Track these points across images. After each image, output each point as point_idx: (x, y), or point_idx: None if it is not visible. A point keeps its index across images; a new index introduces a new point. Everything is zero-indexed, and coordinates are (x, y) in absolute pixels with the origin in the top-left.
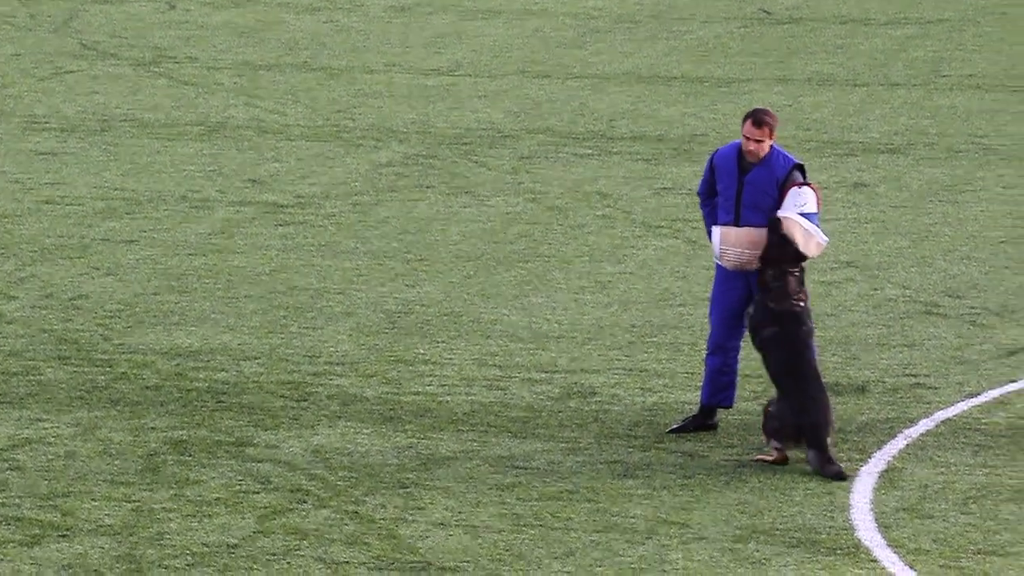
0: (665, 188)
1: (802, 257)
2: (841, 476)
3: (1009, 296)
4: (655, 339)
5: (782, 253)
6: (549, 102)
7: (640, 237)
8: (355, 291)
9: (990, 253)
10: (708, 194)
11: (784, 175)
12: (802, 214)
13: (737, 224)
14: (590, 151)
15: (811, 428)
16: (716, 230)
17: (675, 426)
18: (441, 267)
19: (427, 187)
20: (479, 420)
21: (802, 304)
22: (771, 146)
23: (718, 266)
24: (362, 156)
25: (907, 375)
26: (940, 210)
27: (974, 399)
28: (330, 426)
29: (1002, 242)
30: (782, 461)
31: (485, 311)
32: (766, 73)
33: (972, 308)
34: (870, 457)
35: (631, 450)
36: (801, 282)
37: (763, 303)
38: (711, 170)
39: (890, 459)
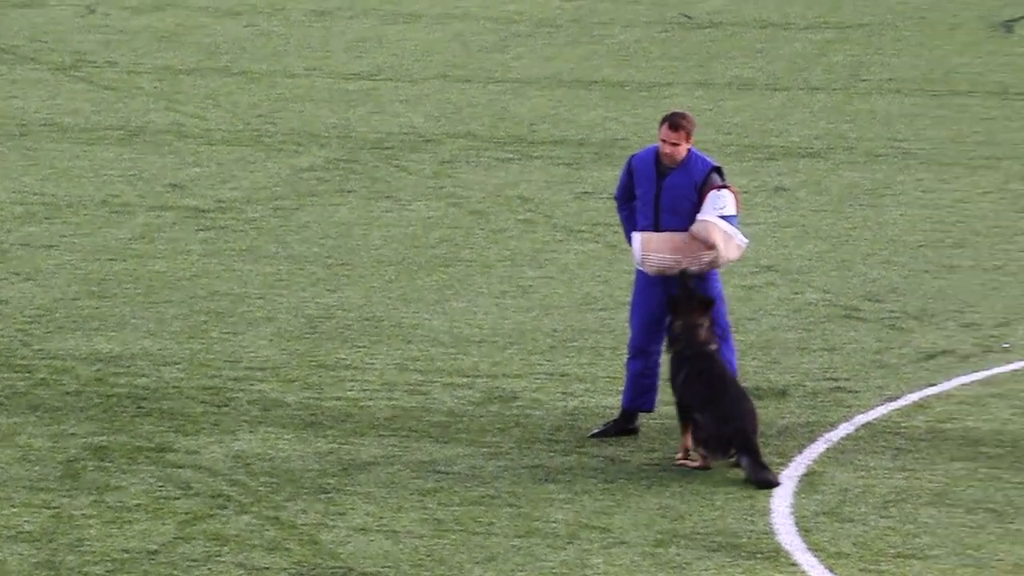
0: (586, 192)
1: (709, 305)
2: (771, 483)
3: (928, 300)
4: (576, 343)
5: (689, 307)
6: (470, 106)
7: (561, 241)
8: (276, 296)
9: (909, 257)
10: (625, 198)
11: (702, 178)
12: (722, 217)
13: (657, 228)
14: (511, 155)
15: (738, 434)
16: (637, 236)
17: (596, 430)
18: (362, 272)
19: (348, 192)
20: (400, 425)
21: (713, 347)
22: (689, 149)
23: (639, 271)
24: (283, 161)
25: (827, 379)
26: (860, 214)
27: (894, 403)
28: (251, 431)
29: (921, 246)
30: (704, 467)
31: (406, 316)
32: (687, 77)
33: (892, 312)
34: (790, 461)
35: (552, 455)
36: (711, 331)
37: (675, 356)
38: (629, 174)
39: (810, 463)
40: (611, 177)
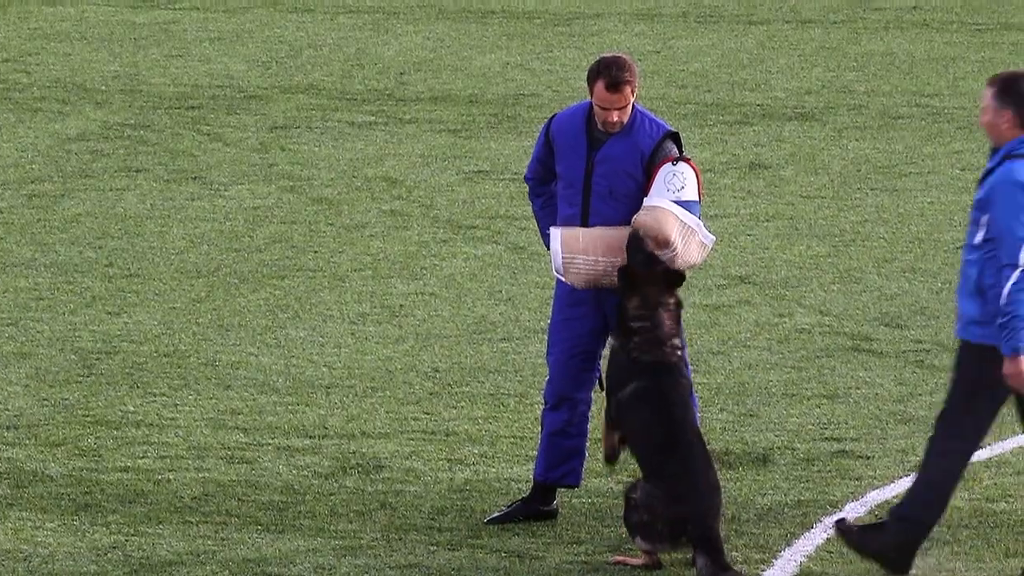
0: (480, 171)
1: (680, 277)
2: None
3: None
4: (467, 388)
5: (650, 276)
6: (312, 48)
7: (445, 242)
8: (33, 322)
9: (943, 264)
10: (541, 179)
11: (652, 147)
12: (679, 203)
13: (585, 221)
14: (372, 119)
15: (696, 520)
16: (557, 232)
17: (497, 514)
18: (159, 286)
19: (137, 171)
20: (215, 507)
21: (679, 352)
22: (633, 107)
23: (559, 283)
24: (41, 126)
25: (827, 439)
26: (872, 202)
27: None
28: None
29: (959, 248)
30: (652, 566)
31: (223, 350)
32: (622, 5)
33: (918, 343)
34: (775, 556)
35: (434, 548)
36: (678, 319)
37: (624, 352)
38: (547, 144)
39: (804, 559)
40: (516, 149)
